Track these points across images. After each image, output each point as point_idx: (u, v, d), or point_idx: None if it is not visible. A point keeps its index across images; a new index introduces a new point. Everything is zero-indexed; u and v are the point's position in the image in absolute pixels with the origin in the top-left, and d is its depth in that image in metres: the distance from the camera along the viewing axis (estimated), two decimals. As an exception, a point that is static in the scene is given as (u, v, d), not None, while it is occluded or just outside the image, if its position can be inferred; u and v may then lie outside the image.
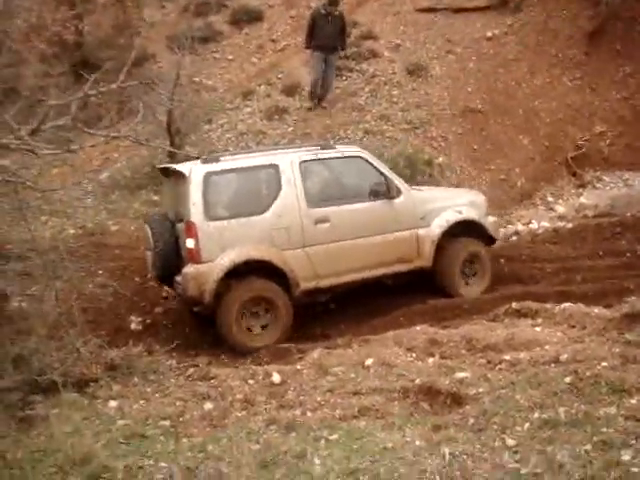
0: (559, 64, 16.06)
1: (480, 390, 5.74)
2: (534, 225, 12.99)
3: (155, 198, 12.61)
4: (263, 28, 17.78)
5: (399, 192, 9.46)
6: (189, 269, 8.56)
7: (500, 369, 6.19)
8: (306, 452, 4.99)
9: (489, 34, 16.39)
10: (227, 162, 8.96)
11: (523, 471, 4.37)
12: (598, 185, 14.57)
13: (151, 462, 5.40)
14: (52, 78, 13.79)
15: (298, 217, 8.93)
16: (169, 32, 17.24)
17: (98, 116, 14.90)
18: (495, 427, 5.02)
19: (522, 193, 13.98)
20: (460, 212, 9.87)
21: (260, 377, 7.31)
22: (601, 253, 10.91)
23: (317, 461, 4.85)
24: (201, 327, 9.48)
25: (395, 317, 9.03)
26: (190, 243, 8.53)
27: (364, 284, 9.54)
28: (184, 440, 5.84)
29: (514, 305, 7.99)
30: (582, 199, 13.94)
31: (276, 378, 7.18)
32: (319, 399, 6.31)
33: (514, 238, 12.61)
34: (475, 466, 4.49)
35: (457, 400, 5.69)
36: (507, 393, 5.53)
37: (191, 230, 8.50)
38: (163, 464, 5.35)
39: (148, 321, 9.79)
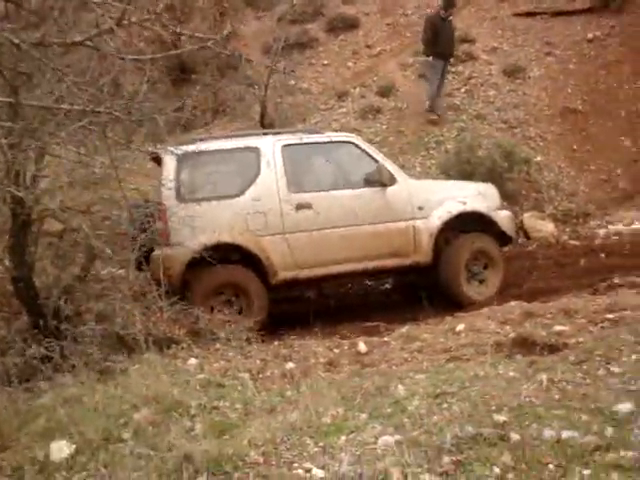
0: (664, 66, 15.39)
1: (581, 339, 5.31)
2: (637, 226, 12.35)
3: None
4: (359, 35, 17.74)
5: (393, 180, 8.72)
6: (157, 252, 8.13)
7: (602, 327, 5.74)
8: (389, 386, 4.69)
9: (590, 36, 15.89)
10: (203, 144, 8.56)
11: (631, 388, 3.95)
12: None
13: (227, 404, 5.20)
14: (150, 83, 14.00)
15: (277, 202, 8.41)
16: (265, 40, 17.38)
17: (193, 116, 15.18)
18: (598, 359, 4.61)
19: (624, 195, 13.34)
20: (464, 203, 8.98)
21: (345, 347, 7.08)
22: None
23: (401, 388, 4.54)
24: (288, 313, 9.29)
25: (489, 300, 8.61)
26: (160, 225, 8.08)
27: (354, 278, 9.13)
28: (263, 392, 5.62)
29: (616, 280, 7.52)
30: (688, 203, 13.22)
31: (362, 347, 6.93)
32: (406, 356, 6.03)
33: (615, 238, 12.01)
34: (576, 391, 4.09)
35: (555, 351, 5.26)
36: (611, 335, 5.10)
37: (161, 212, 8.13)
38: (239, 405, 5.15)
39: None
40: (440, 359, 5.60)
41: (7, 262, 7.01)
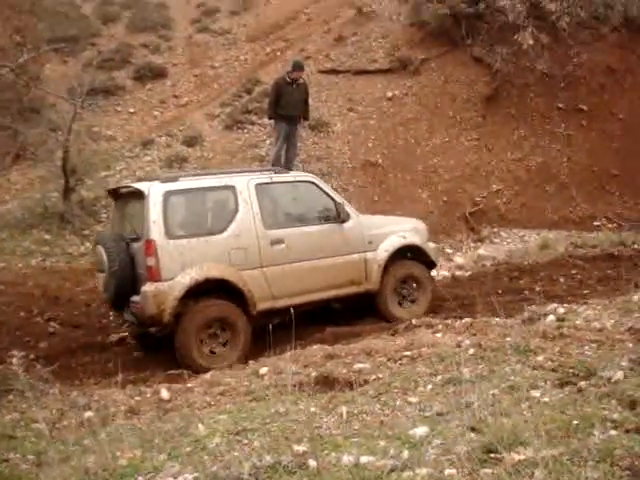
0: (457, 125, 16.48)
1: (380, 375, 5.48)
2: (433, 273, 12.92)
3: (47, 237, 12.13)
4: (166, 84, 17.86)
5: (348, 216, 9.60)
6: (149, 287, 8.27)
7: (401, 363, 5.95)
8: (190, 426, 4.60)
9: (389, 94, 16.77)
10: (186, 182, 8.94)
11: (427, 414, 4.11)
12: (495, 240, 14.80)
13: (18, 456, 4.90)
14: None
15: (255, 238, 8.91)
16: (70, 84, 16.96)
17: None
18: (396, 391, 4.80)
19: (421, 244, 13.99)
20: (404, 237, 10.10)
21: (148, 395, 6.91)
22: (500, 292, 10.90)
23: (202, 427, 4.46)
24: (89, 364, 8.95)
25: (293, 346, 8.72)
26: (150, 261, 8.28)
27: (316, 306, 9.55)
28: (58, 442, 5.34)
29: (414, 321, 7.85)
30: (480, 251, 14.07)
31: (165, 394, 6.78)
32: (209, 400, 5.94)
33: (413, 285, 12.52)
34: (375, 420, 4.19)
35: (356, 387, 5.37)
36: (408, 368, 5.29)
37: (151, 248, 8.28)
38: (31, 456, 4.86)
39: (31, 356, 9.19)
40: (243, 400, 5.57)
41: None
